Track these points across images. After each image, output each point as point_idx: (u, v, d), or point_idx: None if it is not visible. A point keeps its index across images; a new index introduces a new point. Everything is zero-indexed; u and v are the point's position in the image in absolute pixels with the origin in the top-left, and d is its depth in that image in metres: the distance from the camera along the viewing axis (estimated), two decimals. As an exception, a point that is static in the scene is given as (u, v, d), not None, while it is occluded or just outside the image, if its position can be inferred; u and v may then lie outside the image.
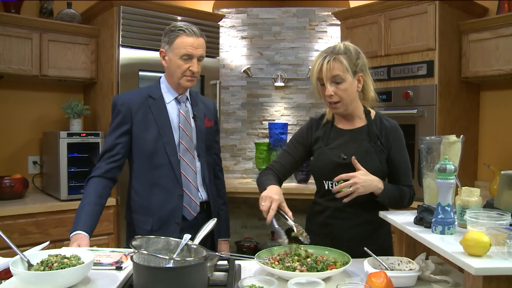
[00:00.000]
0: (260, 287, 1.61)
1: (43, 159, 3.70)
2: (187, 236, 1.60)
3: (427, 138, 1.97)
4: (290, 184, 4.03)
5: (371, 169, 2.00)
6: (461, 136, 1.90)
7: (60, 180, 3.28)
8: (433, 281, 1.74)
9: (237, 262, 1.97)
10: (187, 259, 1.46)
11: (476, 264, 1.33)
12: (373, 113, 2.19)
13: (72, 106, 3.53)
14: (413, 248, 1.91)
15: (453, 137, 1.89)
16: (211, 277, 1.79)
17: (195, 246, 1.59)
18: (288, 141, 2.30)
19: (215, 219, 1.83)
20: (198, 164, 2.27)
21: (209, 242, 2.34)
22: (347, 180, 1.94)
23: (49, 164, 3.56)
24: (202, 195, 2.27)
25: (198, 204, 2.23)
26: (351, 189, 1.93)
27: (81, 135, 3.36)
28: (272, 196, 1.93)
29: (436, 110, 3.40)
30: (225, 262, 1.86)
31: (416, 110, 3.44)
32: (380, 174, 2.06)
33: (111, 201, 3.38)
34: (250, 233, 4.44)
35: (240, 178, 4.45)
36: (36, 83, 3.74)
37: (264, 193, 1.97)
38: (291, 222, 1.93)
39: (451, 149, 1.89)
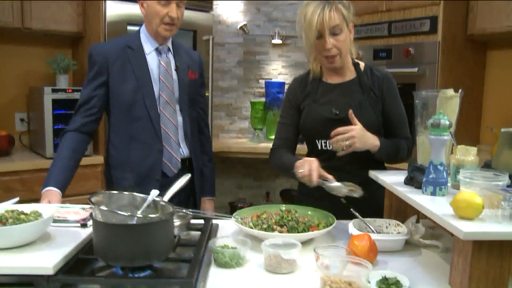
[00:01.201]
0: (233, 248, 1.49)
1: (30, 116, 3.57)
2: (154, 192, 1.47)
3: (423, 92, 1.80)
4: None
5: (366, 122, 1.85)
6: (460, 90, 1.73)
7: (46, 137, 3.15)
8: (422, 246, 1.61)
9: (216, 221, 1.85)
10: (150, 215, 1.33)
11: (466, 228, 1.18)
12: (362, 64, 2.02)
13: (58, 61, 3.37)
14: (404, 211, 1.77)
15: (450, 92, 1.72)
16: (185, 236, 1.68)
17: (163, 203, 1.46)
18: (280, 111, 2.15)
19: (189, 175, 1.70)
20: (179, 118, 2.12)
21: (192, 201, 2.21)
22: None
23: (35, 121, 3.43)
24: (184, 151, 2.13)
25: (179, 160, 2.10)
26: (347, 142, 1.78)
27: (67, 91, 3.20)
28: (309, 159, 1.81)
29: (438, 69, 3.21)
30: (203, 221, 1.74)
31: (417, 69, 3.25)
32: (376, 127, 1.92)
33: (99, 159, 3.26)
34: (245, 194, 4.33)
35: (235, 138, 4.31)
36: (21, 37, 3.55)
37: (298, 162, 1.85)
38: (336, 183, 1.77)
39: (448, 105, 1.72)
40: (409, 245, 1.60)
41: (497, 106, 3.57)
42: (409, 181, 1.63)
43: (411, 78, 3.28)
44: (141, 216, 1.34)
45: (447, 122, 1.48)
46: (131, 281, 1.25)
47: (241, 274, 1.39)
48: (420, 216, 1.76)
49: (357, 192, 1.73)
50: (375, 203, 1.94)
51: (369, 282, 1.31)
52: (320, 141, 1.98)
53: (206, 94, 3.77)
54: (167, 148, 2.06)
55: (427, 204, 1.39)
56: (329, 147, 1.94)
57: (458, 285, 1.26)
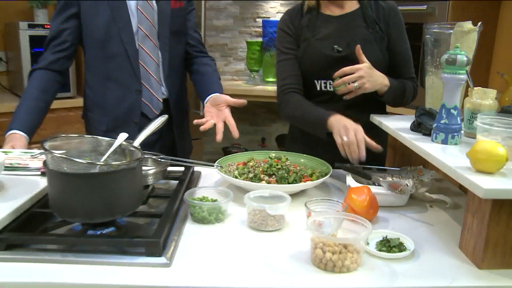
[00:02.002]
0: (212, 200, 1.29)
1: (8, 55, 3.29)
2: (122, 136, 1.25)
3: (435, 26, 1.55)
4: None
5: (371, 61, 1.59)
6: (479, 24, 1.48)
7: (24, 78, 2.89)
8: (428, 201, 1.41)
9: (199, 169, 1.64)
10: (112, 162, 1.12)
11: (486, 184, 0.97)
12: None
13: (36, -7, 3.06)
14: (408, 161, 1.56)
15: (468, 25, 1.46)
16: (163, 185, 1.48)
17: (132, 149, 1.24)
18: (277, 50, 1.82)
19: (166, 116, 1.47)
20: (161, 54, 1.87)
21: (170, 149, 1.98)
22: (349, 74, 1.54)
23: (13, 61, 3.15)
24: (165, 90, 1.89)
25: (161, 100, 1.86)
26: (356, 84, 1.53)
27: (45, 26, 2.92)
28: (352, 124, 1.47)
29: (448, 8, 2.90)
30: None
31: (425, 6, 2.94)
32: (382, 66, 1.66)
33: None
34: (240, 139, 4.12)
35: (230, 80, 4.05)
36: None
37: (334, 121, 1.51)
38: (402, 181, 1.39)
39: (464, 41, 1.47)
40: (413, 200, 1.40)
41: (509, 51, 3.29)
42: (416, 127, 1.41)
43: (418, 17, 2.97)
44: (102, 163, 1.13)
45: (465, 59, 1.24)
46: (87, 240, 1.06)
47: (221, 231, 1.20)
48: (427, 167, 1.56)
49: (425, 175, 1.45)
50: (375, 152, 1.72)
51: (367, 243, 1.11)
52: (319, 81, 1.72)
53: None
54: (147, 88, 1.83)
55: (438, 154, 1.18)
56: (330, 88, 1.70)
57: (471, 250, 1.06)
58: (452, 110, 1.26)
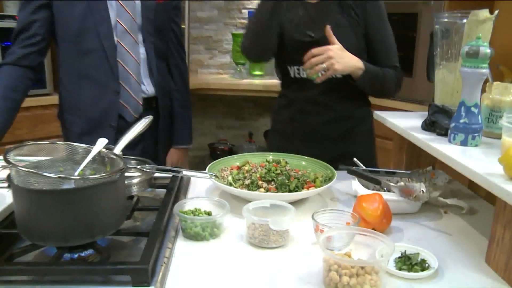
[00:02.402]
0: (206, 213, 1.13)
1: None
2: (101, 142, 1.09)
3: (446, 14, 1.40)
4: (272, 81, 3.46)
5: (345, 45, 1.48)
6: (496, 12, 1.34)
7: (-5, 74, 2.68)
8: (441, 206, 1.28)
9: (188, 174, 1.48)
10: (90, 176, 0.96)
11: (526, 194, 0.84)
12: None
13: (7, -19, 2.83)
14: (417, 161, 1.43)
15: (484, 13, 1.32)
16: (148, 193, 1.32)
17: (113, 156, 1.08)
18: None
19: (150, 117, 1.30)
20: (142, 50, 1.69)
21: (153, 150, 1.81)
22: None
23: (-17, 54, 2.93)
24: (148, 89, 1.72)
25: (141, 102, 1.68)
26: (324, 65, 1.42)
27: (15, 18, 2.69)
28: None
29: (444, -4, 2.78)
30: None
31: (420, -5, 2.81)
32: (357, 51, 1.53)
33: (61, 97, 2.82)
34: (226, 134, 3.96)
35: (215, 74, 3.87)
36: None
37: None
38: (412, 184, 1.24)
39: (480, 30, 1.33)
40: (425, 206, 1.26)
41: (504, 42, 3.19)
42: (429, 126, 1.27)
43: (412, 7, 2.84)
44: (77, 177, 0.96)
45: (488, 50, 1.10)
46: (61, 269, 0.89)
47: (216, 249, 1.04)
48: (436, 168, 1.43)
49: (439, 177, 1.33)
50: (355, 142, 1.64)
51: (384, 260, 0.97)
52: (292, 67, 1.62)
53: (182, 26, 3.31)
54: (125, 88, 1.64)
55: (461, 158, 1.04)
56: (303, 74, 1.60)
57: (503, 267, 0.93)
58: (472, 108, 1.12)
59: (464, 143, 1.13)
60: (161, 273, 0.91)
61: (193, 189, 1.38)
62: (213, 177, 1.26)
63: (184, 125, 1.93)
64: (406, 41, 2.76)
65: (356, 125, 1.63)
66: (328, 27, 1.45)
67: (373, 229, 1.11)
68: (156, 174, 1.37)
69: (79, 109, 1.66)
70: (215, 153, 3.61)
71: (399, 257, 0.99)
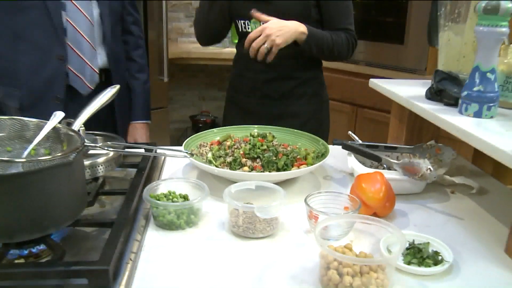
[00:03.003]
0: (182, 197, 0.97)
1: None
2: (57, 115, 0.90)
3: (453, -32, 1.23)
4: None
5: (289, 5, 1.44)
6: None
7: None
8: (447, 185, 1.13)
9: (161, 152, 1.31)
10: (38, 158, 0.78)
11: None
12: None
13: None
14: (418, 135, 1.27)
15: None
16: (118, 173, 1.15)
17: (71, 133, 0.90)
18: None
19: (117, 86, 1.11)
20: (96, 11, 1.44)
21: (111, 128, 1.55)
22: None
23: None
24: (101, 59, 1.48)
25: (97, 71, 1.45)
26: (266, 45, 1.33)
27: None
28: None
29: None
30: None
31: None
32: (303, 12, 1.44)
33: None
34: (209, 106, 3.76)
35: (196, 43, 3.63)
36: None
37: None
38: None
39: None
40: (430, 185, 1.11)
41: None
42: (435, 95, 1.11)
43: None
44: (24, 159, 0.78)
45: (510, 5, 0.93)
46: (3, 272, 0.72)
47: (194, 240, 0.88)
48: (439, 142, 1.28)
49: (445, 153, 1.16)
50: (301, 108, 1.56)
51: (389, 251, 0.83)
52: (239, 21, 1.55)
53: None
54: (78, 54, 1.40)
55: (478, 132, 0.88)
56: (249, 29, 1.52)
57: (528, 258, 0.79)
58: (488, 74, 0.96)
59: (478, 114, 0.97)
60: (126, 273, 0.75)
61: (169, 168, 1.21)
62: (189, 155, 1.08)
63: (141, 99, 1.68)
64: (397, 5, 2.58)
65: (299, 86, 1.55)
66: (254, 11, 1.39)
67: (375, 214, 0.96)
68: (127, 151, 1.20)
69: (16, 78, 1.38)
70: (197, 125, 3.42)
71: (407, 249, 0.84)
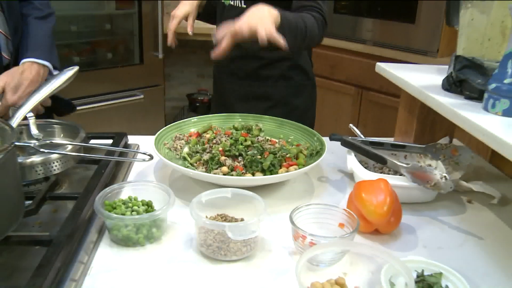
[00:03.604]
0: (145, 205, 0.79)
1: None
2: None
3: None
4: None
5: None
6: None
7: None
8: (463, 191, 0.94)
9: (136, 141, 1.13)
10: None
11: None
12: None
13: None
14: (430, 129, 1.08)
15: None
16: (83, 170, 0.97)
17: (5, 127, 0.72)
18: None
19: (76, 67, 0.93)
20: None
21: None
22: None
23: None
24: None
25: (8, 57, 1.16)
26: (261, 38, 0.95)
27: None
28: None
29: None
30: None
31: None
32: None
33: None
34: (207, 84, 3.56)
35: (195, 17, 3.42)
36: None
37: None
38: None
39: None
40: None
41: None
42: (454, 86, 0.91)
43: None
44: None
45: (556, -24, 0.73)
46: None
47: (152, 262, 0.71)
48: (453, 135, 1.09)
49: (463, 155, 0.96)
50: (266, 90, 1.34)
51: (392, 284, 0.65)
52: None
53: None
54: None
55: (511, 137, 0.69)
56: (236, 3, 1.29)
57: None
58: (524, 62, 0.77)
59: (509, 112, 0.78)
60: (59, 309, 0.58)
61: (140, 164, 1.03)
62: (149, 158, 0.87)
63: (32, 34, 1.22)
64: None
65: (264, 67, 1.32)
66: (213, 34, 1.04)
67: (376, 230, 0.79)
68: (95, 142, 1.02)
69: None
70: (194, 104, 3.23)
71: (415, 282, 0.66)
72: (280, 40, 0.95)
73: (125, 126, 2.63)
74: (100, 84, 2.62)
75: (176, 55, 3.44)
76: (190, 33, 1.26)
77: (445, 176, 0.81)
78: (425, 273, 0.68)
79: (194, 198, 0.75)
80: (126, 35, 2.84)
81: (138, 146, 1.10)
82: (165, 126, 1.03)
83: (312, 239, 0.69)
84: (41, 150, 0.80)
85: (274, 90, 1.34)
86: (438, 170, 0.84)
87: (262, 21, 0.98)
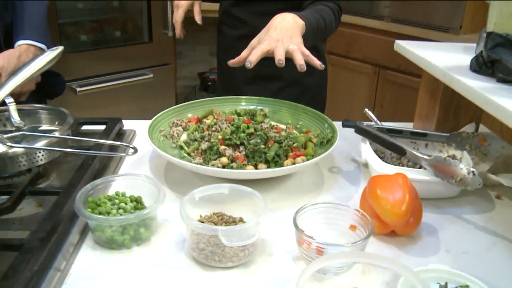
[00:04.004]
0: (134, 202, 0.71)
1: None
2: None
3: None
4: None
5: None
6: None
7: None
8: (491, 185, 0.84)
9: (131, 126, 1.05)
10: None
11: None
12: None
13: None
14: (455, 114, 0.96)
15: None
16: (74, 160, 0.89)
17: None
18: None
19: (61, 47, 0.84)
20: None
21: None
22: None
23: None
24: None
25: None
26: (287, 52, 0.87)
27: None
28: None
29: None
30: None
31: None
32: None
33: None
34: (220, 63, 3.45)
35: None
36: None
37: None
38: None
39: None
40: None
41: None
42: (484, 67, 0.79)
43: None
44: None
45: None
46: None
47: (138, 267, 0.62)
48: (480, 122, 0.98)
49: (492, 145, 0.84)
50: (273, 70, 1.18)
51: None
52: None
53: None
54: None
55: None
56: None
57: None
58: None
59: (550, 98, 0.67)
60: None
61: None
62: (132, 152, 0.77)
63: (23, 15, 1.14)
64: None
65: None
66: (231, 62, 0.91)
67: (393, 231, 0.69)
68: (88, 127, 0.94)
69: None
70: (206, 83, 3.13)
71: (436, 297, 0.57)
72: (316, 62, 0.87)
73: (133, 107, 2.55)
74: (108, 63, 2.53)
75: (188, 33, 3.30)
76: (199, 21, 1.14)
77: (473, 171, 0.70)
78: (449, 286, 0.58)
79: (186, 196, 0.66)
80: (135, 12, 2.74)
81: (135, 132, 1.01)
82: (176, 104, 0.95)
83: (318, 245, 0.59)
84: (9, 144, 0.71)
85: (285, 69, 1.23)
86: (465, 163, 0.73)
87: (292, 37, 0.88)
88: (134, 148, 0.74)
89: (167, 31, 2.71)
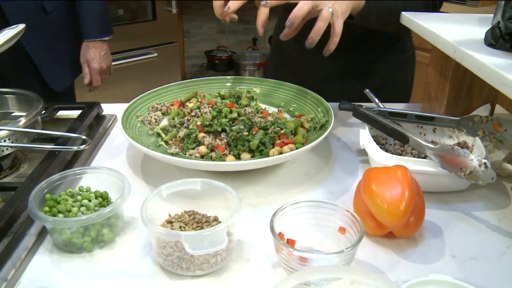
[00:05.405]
0: (97, 196, 0.62)
1: None
2: None
3: None
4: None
5: None
6: None
7: None
8: (507, 175, 0.73)
9: (111, 110, 0.96)
10: None
11: None
12: None
13: None
14: (467, 94, 0.85)
15: None
16: (48, 149, 0.81)
17: None
18: None
19: (22, 25, 0.75)
20: None
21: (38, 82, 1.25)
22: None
23: None
24: None
25: None
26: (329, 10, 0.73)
27: None
28: None
29: None
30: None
31: None
32: None
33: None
34: (228, 40, 3.33)
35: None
36: None
37: None
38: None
39: None
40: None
41: None
42: (501, 40, 0.68)
43: None
44: None
45: None
46: None
47: (98, 275, 0.54)
48: (495, 103, 0.87)
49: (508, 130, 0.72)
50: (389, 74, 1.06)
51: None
52: None
53: None
54: None
55: None
56: None
57: None
58: None
59: None
60: None
61: (115, 140, 0.86)
62: (83, 144, 0.68)
63: (89, 12, 1.33)
64: None
65: (369, 34, 1.02)
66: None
67: (391, 233, 0.60)
68: (64, 113, 0.86)
69: None
70: (213, 62, 3.02)
71: (437, 316, 0.48)
72: (330, 43, 0.75)
73: (138, 87, 2.46)
74: (111, 42, 2.42)
75: (194, 10, 3.21)
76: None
77: (485, 163, 0.60)
78: (453, 302, 0.49)
79: (151, 194, 0.57)
80: (137, -11, 2.63)
81: (115, 117, 0.93)
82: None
83: (301, 255, 0.50)
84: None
85: (379, 66, 1.06)
86: (476, 153, 0.63)
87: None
88: (85, 139, 0.65)
89: (170, 8, 2.60)
